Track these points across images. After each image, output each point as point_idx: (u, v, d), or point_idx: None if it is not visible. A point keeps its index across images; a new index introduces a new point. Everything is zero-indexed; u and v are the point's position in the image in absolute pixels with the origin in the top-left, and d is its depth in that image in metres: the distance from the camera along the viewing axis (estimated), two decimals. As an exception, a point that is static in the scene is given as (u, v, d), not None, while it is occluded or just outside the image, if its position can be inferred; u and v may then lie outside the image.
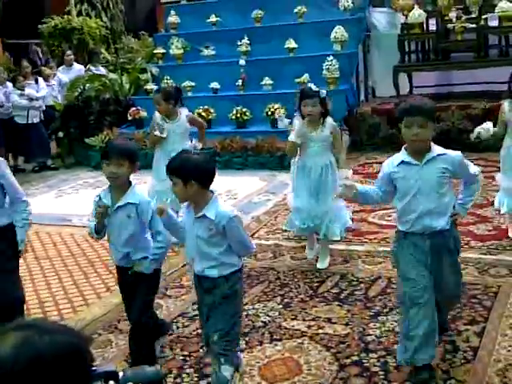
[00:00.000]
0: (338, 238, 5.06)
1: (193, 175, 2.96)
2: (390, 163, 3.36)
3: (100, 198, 3.49)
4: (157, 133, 5.81)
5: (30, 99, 9.69)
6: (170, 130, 5.86)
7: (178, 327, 4.14)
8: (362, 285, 4.56)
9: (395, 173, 3.31)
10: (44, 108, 10.13)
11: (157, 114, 5.97)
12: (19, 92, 9.63)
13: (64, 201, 7.84)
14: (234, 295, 3.13)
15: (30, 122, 9.73)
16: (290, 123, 5.35)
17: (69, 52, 11.72)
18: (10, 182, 3.86)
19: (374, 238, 5.52)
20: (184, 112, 6.00)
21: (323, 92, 4.70)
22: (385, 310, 4.13)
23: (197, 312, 4.27)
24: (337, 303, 4.30)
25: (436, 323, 3.26)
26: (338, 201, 4.79)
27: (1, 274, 3.82)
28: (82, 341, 1.37)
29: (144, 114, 9.77)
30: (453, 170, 3.28)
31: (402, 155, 3.31)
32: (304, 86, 5.20)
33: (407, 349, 3.25)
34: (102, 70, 11.35)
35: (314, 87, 4.70)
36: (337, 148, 4.90)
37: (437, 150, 3.28)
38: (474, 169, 3.43)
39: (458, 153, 3.33)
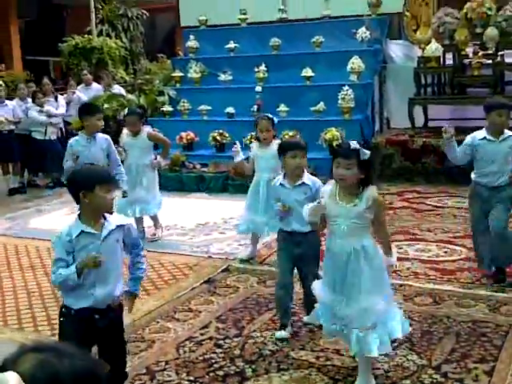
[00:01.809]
0: (376, 355, 3.51)
1: None
2: (474, 137, 5.01)
3: (71, 237, 3.11)
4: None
5: (49, 116, 9.80)
6: (134, 145, 6.56)
7: (184, 351, 4.12)
8: (372, 317, 4.53)
9: (478, 145, 4.95)
10: (62, 125, 10.25)
11: (125, 132, 6.63)
12: (38, 108, 9.74)
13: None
14: (317, 245, 4.31)
15: (47, 138, 9.84)
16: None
17: (85, 72, 11.84)
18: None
19: (385, 270, 5.49)
20: (146, 129, 6.65)
21: (365, 153, 3.45)
22: (394, 344, 4.10)
23: (204, 337, 4.29)
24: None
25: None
26: (384, 299, 3.49)
27: None
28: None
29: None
30: None
31: (483, 133, 4.96)
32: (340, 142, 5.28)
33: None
34: (121, 90, 11.44)
35: (353, 144, 3.46)
36: (378, 230, 3.63)
37: (508, 132, 4.93)
38: None
39: None
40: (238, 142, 5.92)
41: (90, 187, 3.09)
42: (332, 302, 3.58)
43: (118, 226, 3.20)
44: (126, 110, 6.82)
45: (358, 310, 3.44)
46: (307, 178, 4.36)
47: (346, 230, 3.49)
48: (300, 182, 4.31)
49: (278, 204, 4.32)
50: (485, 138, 4.93)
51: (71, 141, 6.07)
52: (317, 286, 3.78)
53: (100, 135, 6.05)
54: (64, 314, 3.22)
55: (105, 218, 3.18)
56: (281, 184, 4.37)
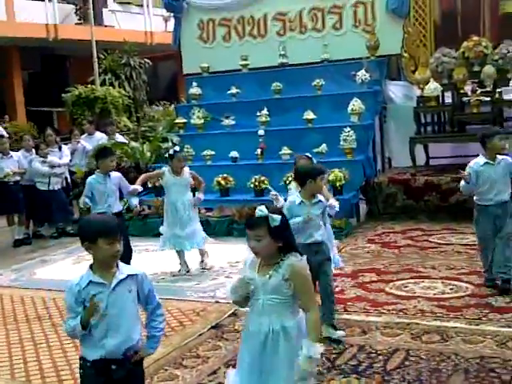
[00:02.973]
0: None
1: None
2: (477, 163, 5.76)
3: (81, 287, 3.11)
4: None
5: (52, 166, 9.90)
6: (176, 184, 7.18)
7: (194, 398, 4.11)
8: (381, 357, 4.53)
9: (481, 170, 5.71)
10: (67, 175, 10.34)
11: (166, 170, 7.25)
12: (41, 159, 9.85)
13: (82, 267, 7.83)
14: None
15: (51, 188, 9.91)
16: None
17: (84, 122, 12.01)
18: None
19: (393, 309, 5.49)
20: (186, 169, 7.30)
21: (275, 219, 3.03)
22: (403, 383, 4.09)
23: (213, 383, 4.29)
24: (355, 376, 4.27)
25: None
26: None
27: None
28: None
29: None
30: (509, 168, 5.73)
31: (483, 159, 5.75)
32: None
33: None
34: (121, 138, 11.58)
35: (260, 211, 3.05)
36: (304, 303, 3.08)
37: (499, 157, 5.72)
38: None
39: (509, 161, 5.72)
40: (272, 188, 5.90)
41: (93, 239, 3.08)
42: None
43: (129, 276, 3.15)
44: (171, 151, 7.30)
45: None
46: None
47: (265, 307, 3.07)
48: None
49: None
50: (487, 162, 5.73)
51: (89, 179, 6.93)
52: (229, 377, 3.28)
53: (113, 174, 6.96)
54: (82, 366, 3.19)
55: (117, 267, 3.15)
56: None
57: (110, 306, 3.08)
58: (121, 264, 3.17)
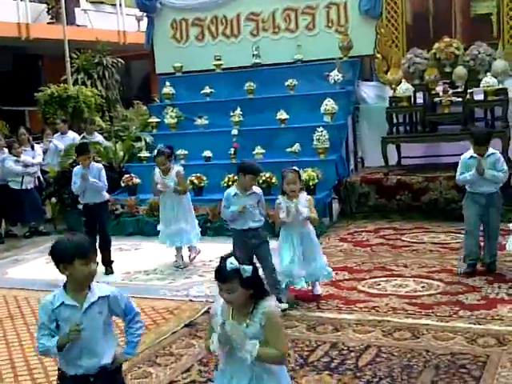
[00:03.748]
0: None
1: None
2: (465, 157, 6.27)
3: (53, 306, 3.11)
4: (159, 187, 7.33)
5: (25, 165, 9.81)
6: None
7: (167, 395, 4.11)
8: (353, 354, 4.57)
9: (470, 163, 6.18)
10: (39, 174, 10.25)
11: (157, 171, 7.36)
12: (15, 158, 9.75)
13: (54, 267, 7.82)
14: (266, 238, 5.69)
15: (23, 187, 9.82)
16: None
17: (58, 121, 11.89)
18: None
19: (365, 307, 5.55)
20: (176, 168, 7.42)
21: (246, 270, 2.91)
22: (375, 380, 4.13)
23: (186, 380, 4.30)
24: (327, 372, 4.31)
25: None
26: None
27: None
28: None
29: (137, 180, 9.93)
30: (494, 162, 6.16)
31: (471, 153, 6.19)
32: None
33: None
34: (99, 138, 11.49)
35: (230, 264, 2.93)
36: (276, 348, 2.92)
37: (491, 150, 6.20)
38: (503, 166, 6.20)
39: (497, 153, 6.28)
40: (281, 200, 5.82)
41: (69, 261, 3.09)
42: None
43: (100, 298, 3.15)
44: (155, 151, 7.44)
45: None
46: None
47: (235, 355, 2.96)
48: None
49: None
50: (471, 156, 6.21)
51: (75, 169, 7.43)
52: None
53: (95, 165, 7.40)
54: (60, 377, 3.20)
55: (89, 289, 3.15)
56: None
57: (82, 332, 3.07)
58: (93, 285, 3.17)
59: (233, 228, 5.90)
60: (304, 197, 5.71)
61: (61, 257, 3.13)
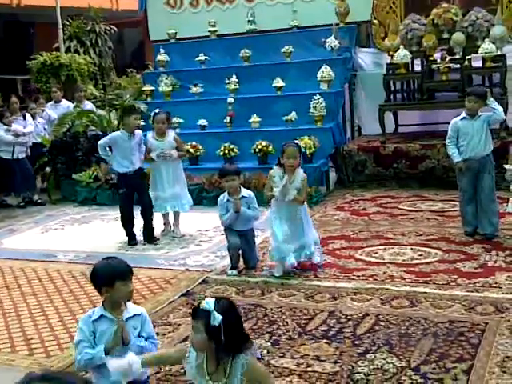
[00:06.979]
0: None
1: None
2: (456, 120, 6.31)
3: (93, 320, 3.37)
4: (157, 158, 7.17)
5: (17, 135, 9.68)
6: (159, 147, 7.20)
7: (165, 365, 4.09)
8: (351, 322, 4.56)
9: (459, 125, 6.25)
10: (31, 144, 10.13)
11: (150, 136, 7.24)
12: (5, 127, 9.63)
13: (50, 236, 7.80)
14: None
15: (15, 157, 9.71)
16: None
17: (54, 89, 11.73)
18: None
19: (362, 275, 5.53)
20: (171, 133, 7.37)
21: (216, 318, 2.75)
22: (373, 348, 4.12)
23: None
24: (325, 341, 4.29)
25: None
26: None
27: None
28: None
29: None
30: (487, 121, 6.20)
31: (462, 115, 6.24)
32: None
33: None
34: (90, 106, 11.37)
35: (205, 304, 2.82)
36: None
37: (480, 113, 6.20)
38: (497, 106, 6.20)
39: (487, 114, 6.19)
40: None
41: (110, 283, 3.32)
42: None
43: (135, 315, 3.43)
44: (153, 113, 7.36)
45: None
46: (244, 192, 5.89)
47: None
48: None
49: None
50: (464, 118, 6.24)
51: (114, 134, 7.14)
52: None
53: (137, 131, 7.10)
54: None
55: (125, 306, 3.42)
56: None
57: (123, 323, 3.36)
58: (128, 304, 3.45)
59: (227, 228, 5.97)
60: (300, 174, 5.59)
61: (103, 280, 3.37)
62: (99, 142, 7.22)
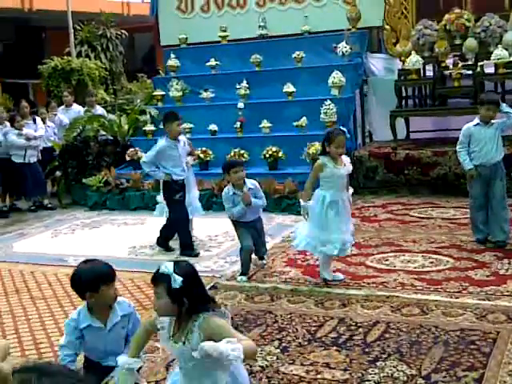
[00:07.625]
0: None
1: None
2: (468, 126, 6.24)
3: (78, 325, 3.47)
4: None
5: (28, 139, 9.71)
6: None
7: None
8: (361, 329, 4.52)
9: (473, 131, 6.18)
10: (42, 148, 10.17)
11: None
12: (17, 132, 9.66)
13: (60, 241, 7.81)
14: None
15: (26, 161, 9.74)
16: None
17: (65, 93, 11.79)
18: None
19: (373, 283, 5.49)
20: (182, 137, 7.03)
21: (176, 280, 2.82)
22: (383, 356, 4.09)
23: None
24: (335, 348, 4.26)
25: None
26: None
27: None
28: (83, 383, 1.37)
29: (142, 154, 9.83)
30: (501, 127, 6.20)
31: (476, 121, 6.20)
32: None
33: None
34: (101, 111, 11.41)
35: (163, 267, 2.90)
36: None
37: (493, 120, 6.17)
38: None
39: (500, 120, 6.19)
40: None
41: (95, 288, 3.32)
42: None
43: (122, 316, 3.50)
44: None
45: None
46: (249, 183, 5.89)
47: (191, 373, 2.86)
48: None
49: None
50: (477, 124, 6.19)
51: (160, 146, 6.72)
52: None
53: (180, 137, 6.89)
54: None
55: (111, 308, 3.46)
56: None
57: (108, 343, 3.50)
58: (115, 304, 3.48)
59: (237, 221, 5.97)
60: (347, 159, 5.45)
61: (86, 286, 3.35)
62: (143, 160, 6.93)
